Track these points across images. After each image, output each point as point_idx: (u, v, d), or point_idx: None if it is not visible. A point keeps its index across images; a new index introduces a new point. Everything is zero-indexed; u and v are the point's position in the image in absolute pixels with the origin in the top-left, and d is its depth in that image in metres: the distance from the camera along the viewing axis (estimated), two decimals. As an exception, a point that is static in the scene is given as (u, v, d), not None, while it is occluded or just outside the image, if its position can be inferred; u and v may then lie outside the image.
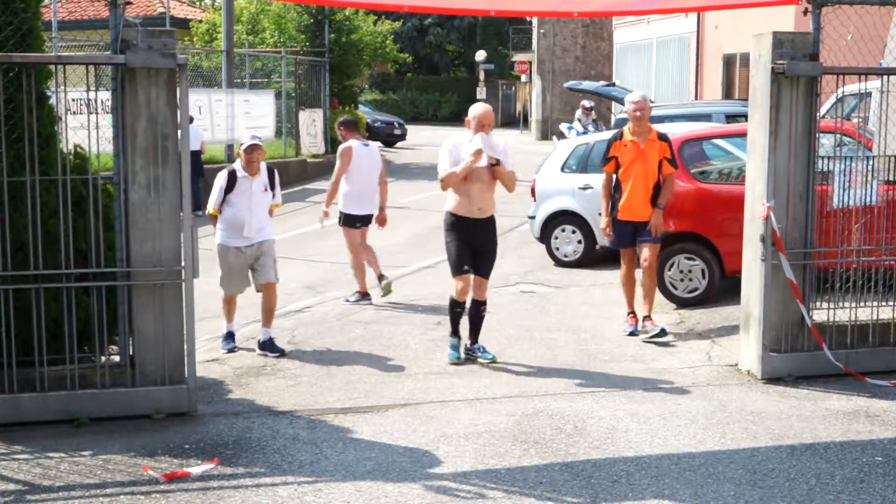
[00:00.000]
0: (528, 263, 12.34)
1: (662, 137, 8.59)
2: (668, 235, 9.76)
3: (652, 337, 8.33)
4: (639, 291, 8.72)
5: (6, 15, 6.16)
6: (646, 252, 8.58)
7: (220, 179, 8.00)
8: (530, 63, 43.92)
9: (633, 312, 8.73)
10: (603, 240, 12.07)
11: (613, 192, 8.64)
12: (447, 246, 7.81)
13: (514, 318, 9.31)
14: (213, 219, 8.10)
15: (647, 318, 8.51)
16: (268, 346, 8.04)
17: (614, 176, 8.64)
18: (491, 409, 6.51)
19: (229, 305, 8.29)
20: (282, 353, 7.97)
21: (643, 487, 5.17)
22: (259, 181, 8.03)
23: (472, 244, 7.65)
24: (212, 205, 8.02)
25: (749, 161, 7.40)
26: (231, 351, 8.11)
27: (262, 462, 5.55)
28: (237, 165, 8.01)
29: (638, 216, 8.52)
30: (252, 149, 7.96)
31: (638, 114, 8.50)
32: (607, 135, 13.48)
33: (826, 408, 6.51)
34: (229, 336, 8.27)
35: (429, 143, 36.61)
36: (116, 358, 6.43)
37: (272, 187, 8.18)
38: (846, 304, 7.35)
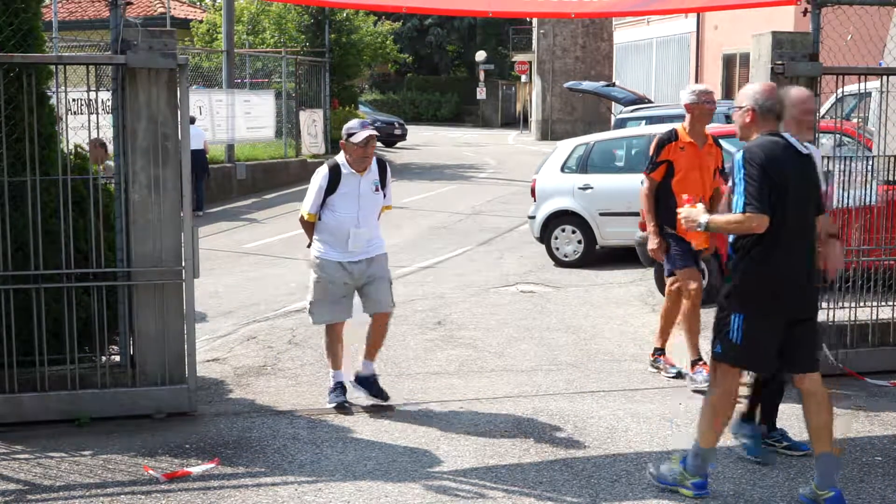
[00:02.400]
0: (528, 263, 12.35)
1: (717, 142, 7.22)
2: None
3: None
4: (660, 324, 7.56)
5: (6, 15, 6.17)
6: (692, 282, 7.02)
7: (319, 178, 6.42)
8: (530, 63, 43.91)
9: (662, 350, 7.40)
10: (604, 240, 12.13)
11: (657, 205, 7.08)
12: None
13: (514, 318, 9.32)
14: (309, 226, 6.53)
15: (700, 361, 6.97)
16: (367, 383, 6.61)
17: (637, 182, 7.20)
18: (491, 409, 6.52)
19: (333, 341, 6.61)
20: (384, 398, 6.59)
21: (643, 487, 5.17)
22: (368, 180, 6.45)
23: None
24: (308, 208, 6.43)
25: (749, 161, 7.38)
26: (342, 408, 6.47)
27: (263, 462, 5.55)
28: (340, 160, 6.44)
29: (693, 234, 6.63)
30: (368, 141, 6.33)
31: (708, 107, 6.98)
32: (610, 134, 13.54)
33: (826, 407, 6.50)
34: (338, 388, 6.59)
35: (429, 143, 36.65)
36: (117, 358, 6.44)
37: (383, 185, 6.59)
38: (846, 304, 7.35)
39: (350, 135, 6.35)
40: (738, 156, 4.78)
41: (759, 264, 4.73)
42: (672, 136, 7.07)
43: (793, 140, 4.86)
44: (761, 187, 4.64)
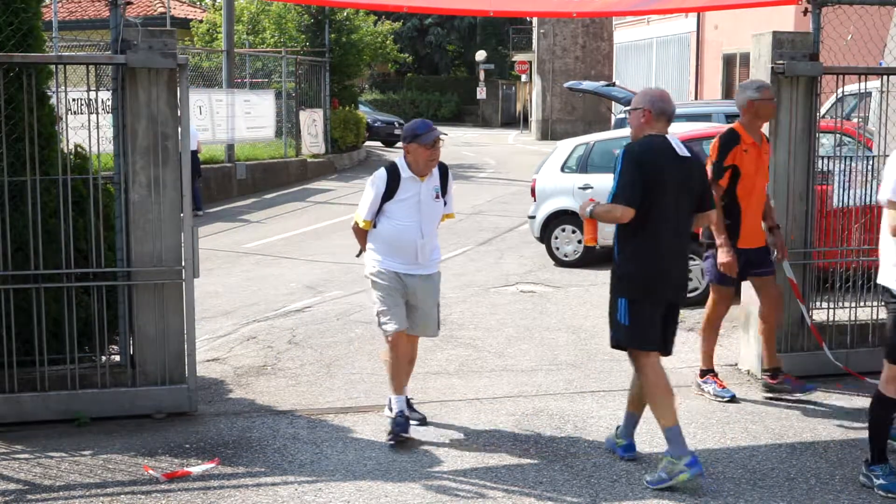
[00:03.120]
0: (528, 263, 12.35)
1: (768, 140, 6.82)
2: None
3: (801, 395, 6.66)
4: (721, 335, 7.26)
5: (7, 15, 6.17)
6: (772, 288, 6.64)
7: (378, 181, 5.88)
8: (530, 63, 43.91)
9: (713, 370, 6.86)
10: (605, 239, 12.06)
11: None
12: None
13: (514, 318, 9.32)
14: (363, 234, 6.07)
15: (780, 372, 6.72)
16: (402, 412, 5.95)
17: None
18: (491, 409, 6.51)
19: (397, 361, 5.93)
20: (422, 421, 6.16)
21: (643, 487, 5.17)
22: (429, 186, 5.89)
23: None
24: (364, 215, 5.93)
25: (749, 161, 7.39)
26: (396, 437, 5.80)
27: (263, 462, 5.55)
28: (400, 163, 5.89)
29: (756, 241, 6.53)
30: (435, 142, 5.82)
31: (772, 104, 6.53)
32: (610, 134, 13.52)
33: (826, 408, 6.51)
34: (400, 419, 5.87)
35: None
36: (117, 358, 6.44)
37: (444, 192, 6.00)
38: (846, 304, 7.35)
39: (415, 135, 5.79)
40: (619, 152, 5.24)
41: (636, 253, 5.20)
42: (736, 138, 6.48)
43: (675, 143, 5.24)
44: (633, 182, 5.08)
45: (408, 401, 6.17)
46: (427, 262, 5.97)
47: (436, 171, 5.94)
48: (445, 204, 6.05)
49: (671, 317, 5.34)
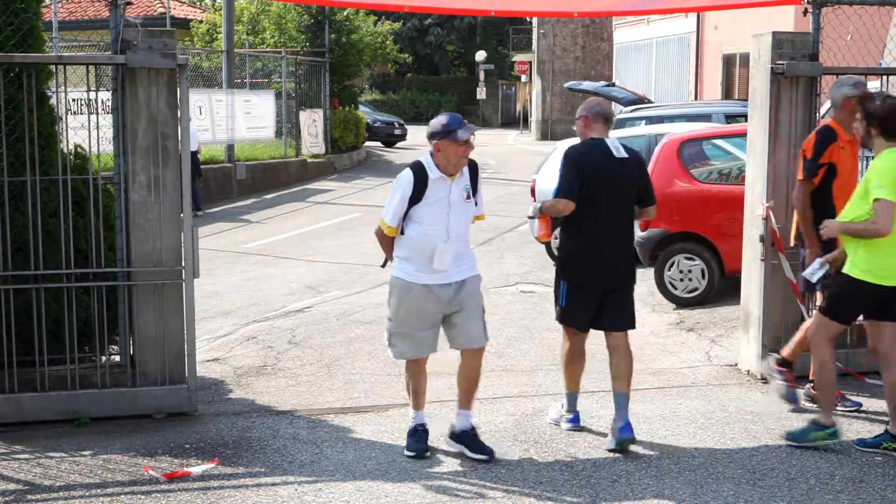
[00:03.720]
0: (528, 263, 12.35)
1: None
2: (668, 235, 9.78)
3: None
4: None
5: (7, 15, 6.17)
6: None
7: (404, 183, 5.40)
8: (530, 63, 43.91)
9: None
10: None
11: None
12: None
13: (514, 318, 9.32)
14: (388, 241, 5.54)
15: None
16: (465, 438, 5.58)
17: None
18: (491, 409, 6.51)
19: (415, 376, 5.68)
20: (488, 453, 5.53)
21: (643, 487, 5.17)
22: (459, 185, 5.45)
23: None
24: (389, 220, 5.44)
25: (749, 161, 7.40)
26: (421, 456, 5.56)
27: (263, 462, 5.55)
28: (427, 162, 5.44)
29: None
30: (468, 139, 5.39)
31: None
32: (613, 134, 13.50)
33: (826, 407, 6.50)
34: (418, 432, 5.64)
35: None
36: (117, 358, 6.44)
37: (474, 191, 5.57)
38: (846, 304, 7.34)
39: (448, 131, 5.33)
40: (561, 153, 5.87)
41: (574, 244, 5.83)
42: (833, 135, 6.23)
43: (612, 145, 5.79)
44: (572, 180, 5.70)
45: (474, 431, 5.61)
46: (457, 268, 5.47)
47: (467, 169, 5.50)
48: (476, 204, 5.59)
49: (613, 300, 5.82)
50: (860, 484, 5.21)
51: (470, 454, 5.52)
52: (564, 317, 5.99)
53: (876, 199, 5.34)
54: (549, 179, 12.25)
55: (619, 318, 5.86)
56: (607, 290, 5.81)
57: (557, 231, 6.02)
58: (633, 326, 5.91)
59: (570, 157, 5.75)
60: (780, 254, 6.86)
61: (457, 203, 5.45)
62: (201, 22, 28.62)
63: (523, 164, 25.56)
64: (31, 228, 6.01)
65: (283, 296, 10.52)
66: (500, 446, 5.66)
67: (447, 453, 5.67)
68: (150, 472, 5.33)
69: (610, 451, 5.65)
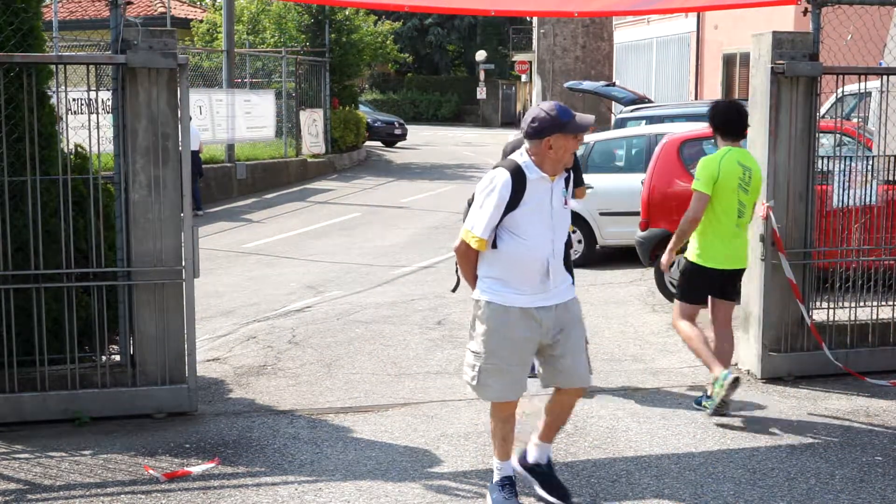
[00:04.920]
0: (529, 263, 12.34)
1: None
2: (668, 235, 9.77)
3: None
4: None
5: (7, 15, 6.17)
6: None
7: (500, 186, 4.51)
8: (530, 63, 43.95)
9: None
10: (604, 239, 12.11)
11: None
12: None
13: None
14: (471, 259, 4.67)
15: None
16: (539, 473, 4.98)
17: None
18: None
19: (506, 426, 4.81)
20: (564, 497, 4.90)
21: (643, 487, 5.17)
22: (559, 188, 4.66)
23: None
24: (480, 231, 4.54)
25: (749, 161, 7.40)
26: None
27: (263, 461, 5.56)
28: (523, 161, 4.58)
29: None
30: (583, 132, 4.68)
31: None
32: (610, 134, 13.51)
33: (826, 407, 6.51)
34: (506, 486, 4.82)
35: (429, 143, 36.64)
36: (117, 357, 6.44)
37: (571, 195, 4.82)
38: (846, 304, 7.36)
39: (563, 123, 4.54)
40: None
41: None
42: None
43: None
44: None
45: (551, 467, 5.02)
46: (559, 286, 4.67)
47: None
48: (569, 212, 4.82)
49: None
50: (860, 484, 5.21)
51: (542, 493, 4.90)
52: None
53: (693, 190, 6.19)
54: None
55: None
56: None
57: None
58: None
59: (505, 150, 6.55)
60: (781, 254, 6.86)
61: (557, 209, 4.62)
62: (201, 21, 28.63)
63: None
64: (31, 228, 6.01)
65: (283, 295, 10.52)
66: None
67: (447, 453, 5.67)
68: (151, 471, 5.33)
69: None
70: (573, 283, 4.88)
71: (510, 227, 4.55)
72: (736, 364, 7.49)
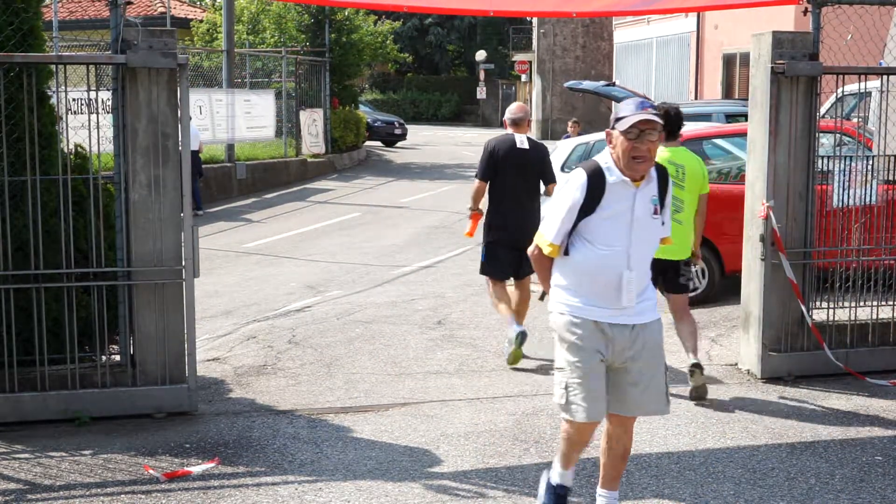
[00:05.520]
0: (528, 262, 12.34)
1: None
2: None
3: None
4: None
5: (7, 15, 6.17)
6: None
7: (574, 188, 4.21)
8: (530, 63, 43.94)
9: None
10: None
11: None
12: None
13: (515, 318, 9.31)
14: (546, 264, 4.41)
15: None
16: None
17: None
18: (491, 409, 6.52)
19: (580, 448, 4.49)
20: None
21: (643, 487, 5.17)
22: (645, 194, 4.23)
23: None
24: (551, 236, 4.27)
25: (749, 161, 7.40)
26: None
27: (263, 461, 5.56)
28: (604, 161, 4.21)
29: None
30: (649, 127, 4.11)
31: None
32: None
33: (826, 407, 6.51)
34: (559, 496, 4.64)
35: (429, 142, 36.64)
36: (117, 357, 6.44)
37: (662, 206, 4.31)
38: (846, 304, 7.35)
39: (619, 118, 4.17)
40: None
41: (489, 213, 7.61)
42: None
43: (519, 139, 7.53)
44: (485, 165, 7.56)
45: None
46: (639, 305, 4.27)
47: (653, 172, 4.25)
48: (664, 222, 4.33)
49: (523, 255, 6.71)
50: (860, 484, 5.21)
51: None
52: (486, 270, 7.67)
53: None
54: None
55: (529, 266, 7.03)
56: (516, 248, 7.16)
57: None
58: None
59: (486, 148, 7.63)
60: (781, 253, 6.87)
61: (642, 218, 4.20)
62: (201, 21, 28.63)
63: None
64: (31, 228, 6.01)
65: (283, 295, 10.52)
66: None
67: (447, 453, 5.68)
68: (151, 471, 5.33)
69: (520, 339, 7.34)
70: (657, 302, 4.41)
71: (584, 234, 4.23)
72: (736, 364, 7.50)
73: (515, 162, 7.48)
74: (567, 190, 4.24)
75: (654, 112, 4.13)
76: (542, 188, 7.62)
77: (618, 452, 4.44)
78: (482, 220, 7.68)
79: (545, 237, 4.31)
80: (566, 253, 4.29)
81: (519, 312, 7.59)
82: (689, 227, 6.76)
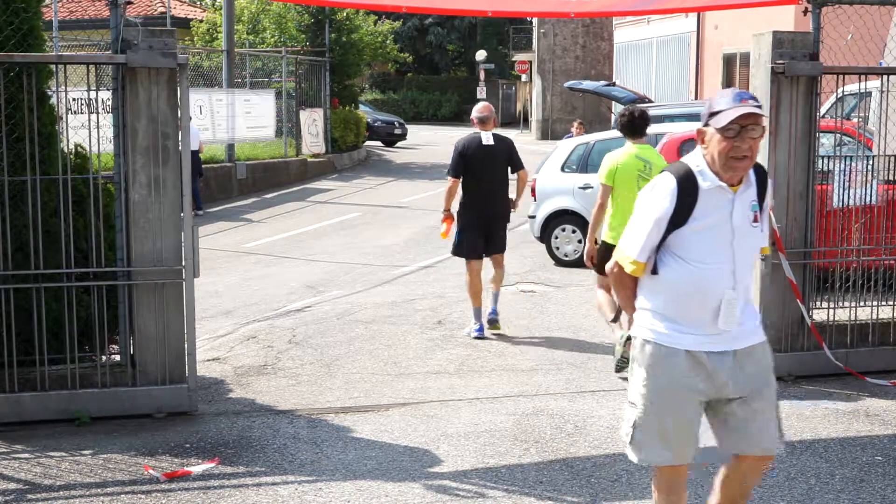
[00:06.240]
0: (529, 263, 12.35)
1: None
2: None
3: None
4: None
5: (7, 15, 6.17)
6: None
7: (661, 195, 3.63)
8: (530, 63, 43.92)
9: None
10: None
11: None
12: None
13: (514, 318, 9.32)
14: (629, 285, 3.82)
15: None
16: None
17: None
18: (491, 409, 6.52)
19: (669, 496, 3.87)
20: None
21: (643, 487, 5.17)
22: (745, 200, 3.66)
23: None
24: (636, 252, 3.68)
25: (749, 161, 7.39)
26: None
27: (263, 461, 5.56)
28: (695, 164, 3.66)
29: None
30: (752, 122, 3.53)
31: None
32: (610, 134, 13.52)
33: (826, 407, 6.51)
34: None
35: (429, 142, 36.64)
36: (117, 357, 6.44)
37: (761, 208, 3.74)
38: (846, 304, 7.35)
39: (712, 113, 3.63)
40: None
41: (464, 204, 8.59)
42: None
43: (485, 136, 8.58)
44: (456, 163, 8.53)
45: None
46: (742, 326, 3.68)
47: (752, 176, 3.71)
48: (763, 230, 3.77)
49: (491, 237, 8.56)
50: (860, 484, 5.21)
51: None
52: (460, 251, 8.66)
53: (599, 184, 7.45)
54: (549, 179, 12.28)
55: (496, 246, 8.64)
56: (490, 230, 8.54)
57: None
58: (504, 250, 8.72)
59: (456, 147, 8.64)
60: (781, 253, 6.86)
61: (741, 227, 3.63)
62: (201, 21, 28.61)
63: (524, 163, 25.56)
64: (31, 228, 6.01)
65: (283, 295, 10.52)
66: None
67: (447, 453, 5.68)
68: (151, 471, 5.33)
69: (477, 337, 8.44)
70: (760, 320, 3.84)
71: (675, 249, 3.64)
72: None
73: (483, 157, 8.49)
74: (652, 199, 3.65)
75: (756, 104, 3.56)
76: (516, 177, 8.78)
77: (738, 489, 3.87)
78: (456, 214, 8.66)
79: (627, 254, 3.72)
80: (654, 271, 3.70)
81: (495, 280, 8.80)
82: None
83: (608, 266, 3.90)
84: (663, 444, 3.72)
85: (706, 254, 3.61)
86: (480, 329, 8.55)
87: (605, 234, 7.36)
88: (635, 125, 7.44)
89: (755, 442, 3.76)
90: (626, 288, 3.83)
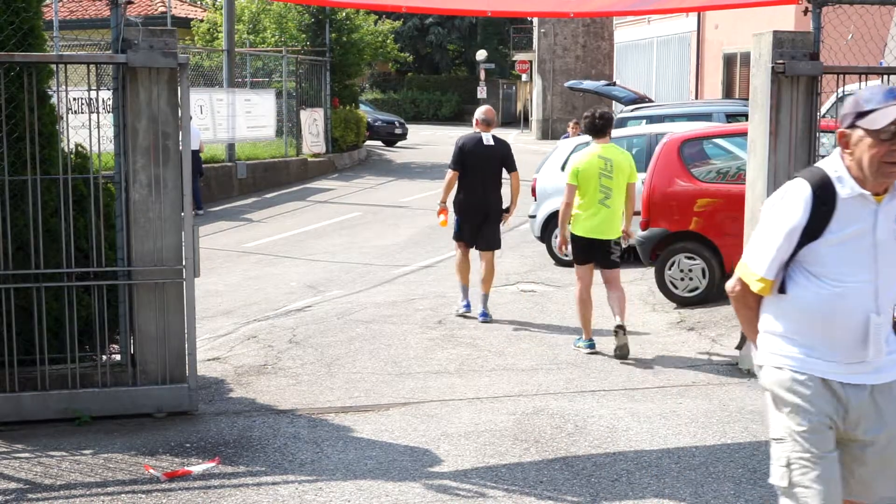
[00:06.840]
0: (529, 262, 12.35)
1: None
2: (668, 234, 9.78)
3: None
4: None
5: (8, 14, 6.17)
6: None
7: (792, 205, 3.24)
8: (531, 62, 43.92)
9: None
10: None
11: None
12: None
13: (515, 317, 9.32)
14: (752, 304, 3.39)
15: None
16: None
17: None
18: (491, 408, 6.52)
19: None
20: None
21: (643, 486, 5.17)
22: (889, 211, 3.24)
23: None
24: (762, 269, 3.26)
25: (749, 161, 7.41)
26: None
27: (263, 461, 5.56)
28: (832, 168, 3.32)
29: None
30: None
31: None
32: (615, 133, 13.52)
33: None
34: None
35: (429, 142, 36.63)
36: (117, 357, 6.45)
37: None
38: None
39: (861, 113, 3.23)
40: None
41: (459, 195, 9.27)
42: None
43: (486, 137, 9.19)
44: (456, 158, 9.20)
45: None
46: (884, 359, 3.24)
47: None
48: None
49: (484, 227, 9.21)
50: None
51: None
52: (457, 237, 9.40)
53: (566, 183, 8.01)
54: (549, 178, 12.28)
55: (489, 241, 9.29)
56: (481, 222, 9.19)
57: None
58: (498, 247, 9.46)
59: (457, 144, 9.30)
60: None
61: (885, 242, 3.22)
62: (202, 21, 28.60)
63: (524, 163, 25.47)
64: (31, 227, 6.01)
65: (283, 295, 10.52)
66: None
67: (447, 453, 5.68)
68: (151, 470, 5.34)
69: (463, 315, 9.28)
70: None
71: (808, 265, 3.23)
72: (736, 364, 7.50)
73: (482, 155, 9.16)
74: (783, 208, 3.24)
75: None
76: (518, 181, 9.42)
77: None
78: (452, 204, 9.30)
79: (753, 270, 3.29)
80: (781, 290, 3.28)
81: (484, 280, 9.23)
82: (618, 212, 7.98)
83: (729, 285, 3.43)
84: (825, 484, 3.19)
85: (844, 271, 3.19)
86: (467, 306, 9.30)
87: (572, 227, 8.08)
88: (596, 126, 8.07)
89: (878, 488, 3.31)
90: (749, 308, 3.39)
